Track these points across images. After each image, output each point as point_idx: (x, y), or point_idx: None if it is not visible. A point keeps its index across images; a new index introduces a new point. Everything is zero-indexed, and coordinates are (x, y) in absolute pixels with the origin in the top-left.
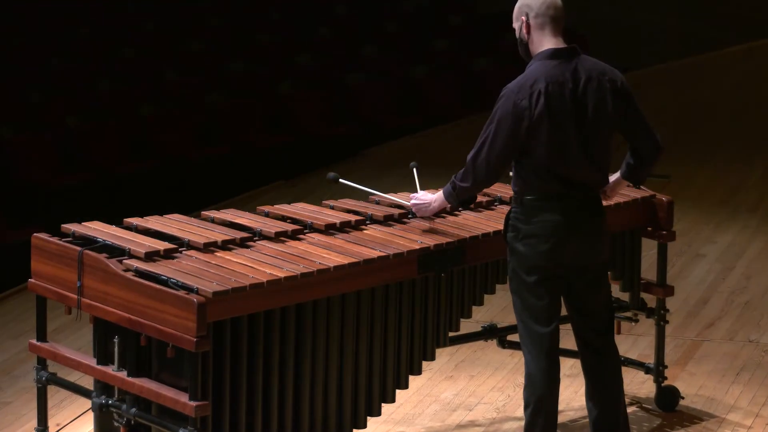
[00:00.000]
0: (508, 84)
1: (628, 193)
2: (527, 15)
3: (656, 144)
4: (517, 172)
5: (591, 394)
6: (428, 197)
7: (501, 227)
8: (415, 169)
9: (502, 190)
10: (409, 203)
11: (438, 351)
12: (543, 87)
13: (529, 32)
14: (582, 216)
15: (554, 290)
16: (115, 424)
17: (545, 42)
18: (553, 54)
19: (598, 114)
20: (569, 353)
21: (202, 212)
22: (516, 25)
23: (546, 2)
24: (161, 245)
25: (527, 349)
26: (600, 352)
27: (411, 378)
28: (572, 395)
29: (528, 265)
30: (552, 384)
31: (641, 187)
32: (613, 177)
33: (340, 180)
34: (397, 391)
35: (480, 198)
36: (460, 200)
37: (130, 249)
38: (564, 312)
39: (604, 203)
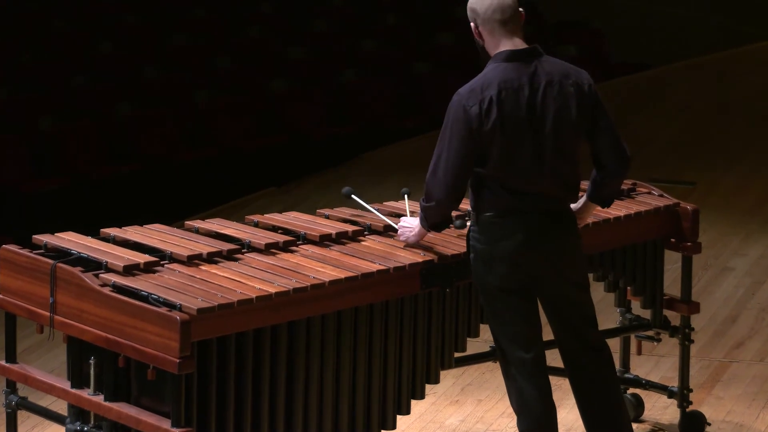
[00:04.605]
0: (459, 88)
1: (650, 201)
2: (475, 21)
3: (624, 155)
4: (470, 186)
5: (583, 417)
6: (414, 222)
7: None
8: (406, 195)
9: None
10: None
11: (442, 373)
12: (495, 93)
13: (481, 37)
14: (545, 232)
15: (526, 311)
16: None
17: (500, 44)
18: (510, 56)
19: (559, 122)
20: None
21: (186, 222)
22: (471, 26)
23: (492, 6)
24: (141, 258)
25: (514, 378)
26: (587, 370)
27: (413, 403)
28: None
29: (491, 288)
30: (549, 411)
31: (647, 196)
32: (581, 200)
33: None
34: (399, 417)
35: None
36: (431, 223)
37: (107, 262)
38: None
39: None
